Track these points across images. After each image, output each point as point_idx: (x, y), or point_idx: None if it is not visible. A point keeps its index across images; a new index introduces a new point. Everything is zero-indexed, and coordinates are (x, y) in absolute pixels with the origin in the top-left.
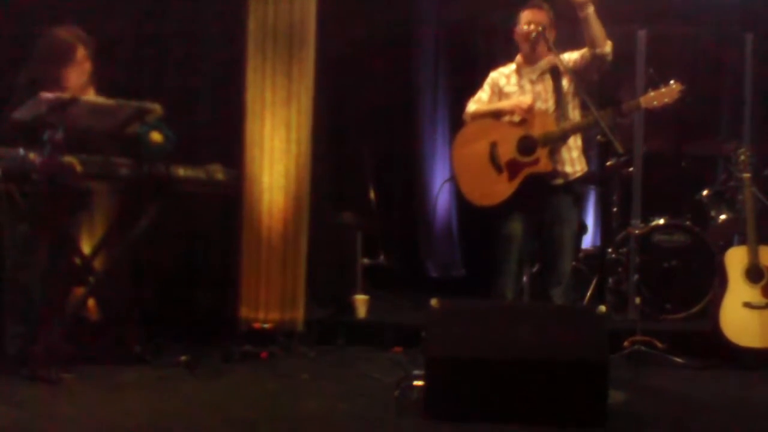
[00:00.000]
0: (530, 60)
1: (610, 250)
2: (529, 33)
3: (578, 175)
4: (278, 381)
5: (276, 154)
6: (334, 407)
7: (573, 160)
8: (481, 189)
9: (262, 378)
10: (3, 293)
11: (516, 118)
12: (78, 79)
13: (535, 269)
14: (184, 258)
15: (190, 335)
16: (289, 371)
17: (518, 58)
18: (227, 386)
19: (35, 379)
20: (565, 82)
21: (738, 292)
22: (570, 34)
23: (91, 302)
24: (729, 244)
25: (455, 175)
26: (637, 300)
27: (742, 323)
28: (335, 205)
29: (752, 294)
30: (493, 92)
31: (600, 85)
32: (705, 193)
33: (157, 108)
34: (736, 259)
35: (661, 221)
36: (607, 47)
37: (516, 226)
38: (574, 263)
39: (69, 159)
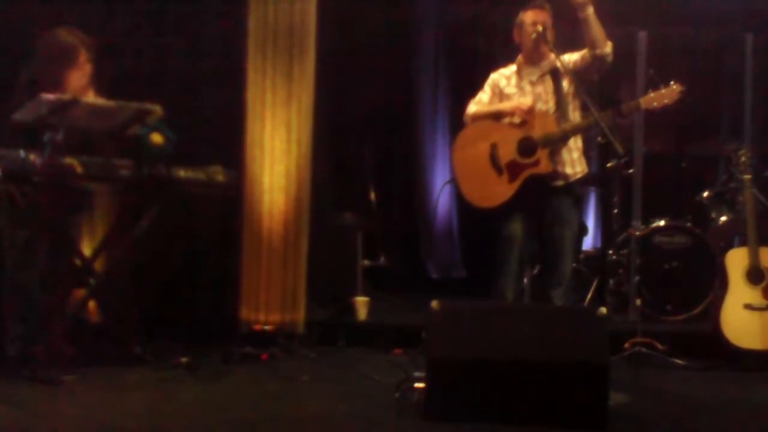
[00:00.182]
0: (531, 61)
1: (610, 251)
2: (529, 33)
3: (579, 176)
4: (279, 382)
5: (276, 154)
6: (334, 408)
7: (573, 162)
8: (482, 190)
9: (263, 379)
10: (3, 294)
11: (516, 120)
12: (79, 80)
13: (535, 270)
14: (185, 259)
15: (190, 336)
16: (289, 373)
17: (519, 58)
18: (228, 387)
19: (36, 380)
20: (565, 84)
21: (738, 294)
22: (570, 35)
23: (91, 303)
24: (729, 246)
25: (455, 177)
26: (638, 301)
27: (743, 325)
28: (336, 206)
29: (753, 295)
30: (493, 93)
31: (600, 86)
32: (705, 194)
33: (157, 109)
34: (736, 260)
35: (662, 222)
36: (608, 48)
37: (516, 228)
38: (574, 264)
39: (69, 160)
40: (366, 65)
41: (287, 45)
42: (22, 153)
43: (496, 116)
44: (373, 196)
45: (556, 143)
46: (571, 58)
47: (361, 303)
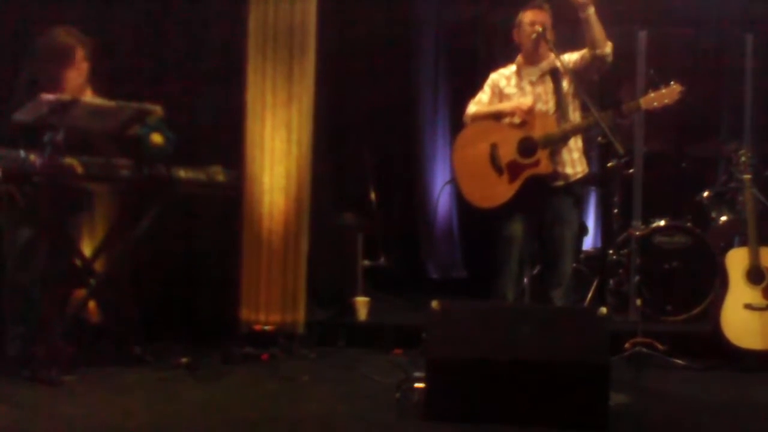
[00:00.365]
0: (531, 61)
1: (611, 251)
2: (529, 34)
3: (579, 176)
4: (279, 383)
5: (276, 155)
6: (334, 409)
7: (574, 162)
8: (482, 191)
9: (263, 380)
10: (3, 294)
11: (516, 120)
12: (75, 79)
13: (535, 270)
14: (185, 259)
15: (190, 337)
16: (289, 373)
17: (519, 58)
18: (228, 388)
19: (36, 381)
20: (565, 84)
21: (739, 294)
22: (570, 35)
23: (91, 303)
24: (730, 246)
25: (456, 177)
26: (638, 301)
27: (743, 325)
28: (336, 206)
29: (753, 295)
30: (493, 93)
31: (600, 86)
32: (705, 194)
33: (157, 109)
34: (736, 260)
35: (662, 222)
36: (608, 48)
37: (516, 228)
38: (574, 264)
39: (69, 160)
40: (366, 65)
41: (287, 45)
42: (22, 153)
43: (496, 116)
44: (373, 196)
45: (556, 143)
46: (571, 58)
47: (361, 303)
